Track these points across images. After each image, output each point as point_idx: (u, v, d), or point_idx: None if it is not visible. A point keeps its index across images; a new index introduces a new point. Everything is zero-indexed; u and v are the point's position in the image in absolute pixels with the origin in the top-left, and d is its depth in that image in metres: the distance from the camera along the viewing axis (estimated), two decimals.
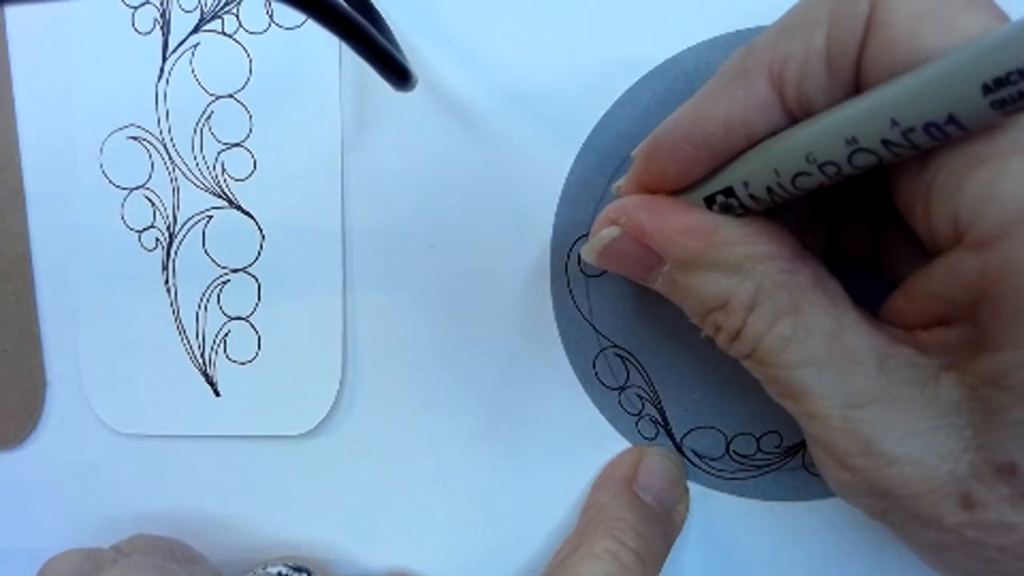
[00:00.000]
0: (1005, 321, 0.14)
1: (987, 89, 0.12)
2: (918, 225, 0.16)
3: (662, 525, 0.22)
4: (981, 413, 0.15)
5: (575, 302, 0.24)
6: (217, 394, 0.25)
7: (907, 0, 0.14)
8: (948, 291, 0.15)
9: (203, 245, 0.25)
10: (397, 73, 0.21)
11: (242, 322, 0.25)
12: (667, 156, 0.18)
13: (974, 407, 0.16)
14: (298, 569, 0.24)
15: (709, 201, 0.18)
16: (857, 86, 0.15)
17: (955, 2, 0.14)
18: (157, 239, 0.25)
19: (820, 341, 0.17)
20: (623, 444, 0.24)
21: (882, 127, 0.14)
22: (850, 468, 0.17)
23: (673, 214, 0.18)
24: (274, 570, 0.24)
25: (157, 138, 0.25)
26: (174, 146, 0.25)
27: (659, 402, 0.23)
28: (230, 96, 0.25)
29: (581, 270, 0.24)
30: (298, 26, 0.24)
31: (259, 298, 0.25)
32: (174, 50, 0.25)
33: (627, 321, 0.23)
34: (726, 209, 0.17)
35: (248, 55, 0.24)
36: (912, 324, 0.17)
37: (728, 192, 0.17)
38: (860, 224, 0.20)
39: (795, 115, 0.16)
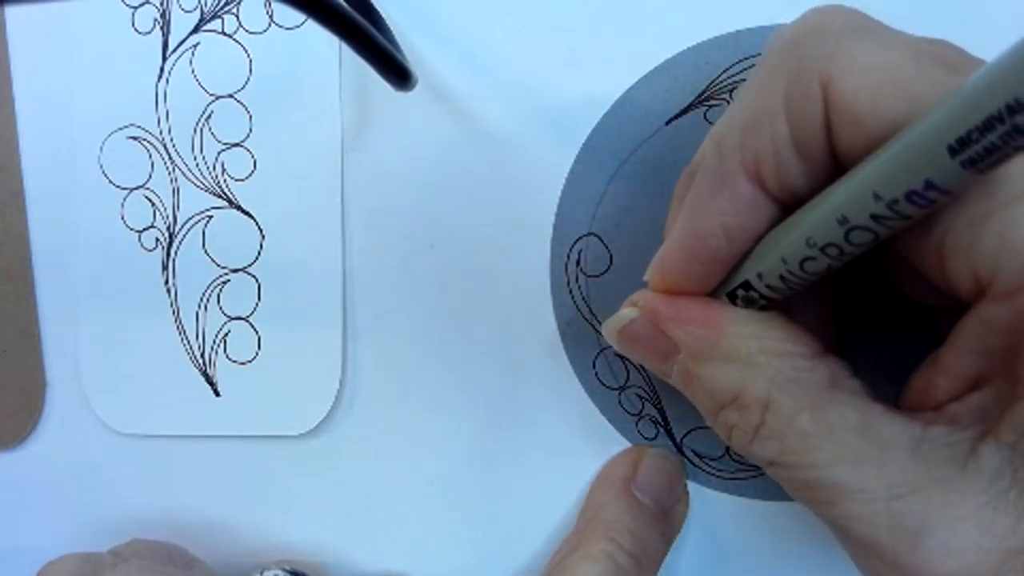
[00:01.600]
0: None
1: (953, 151, 0.13)
2: (935, 280, 0.16)
3: (660, 526, 0.22)
4: None
5: (575, 302, 0.24)
6: (217, 394, 0.25)
7: (859, 78, 0.14)
8: (984, 343, 0.15)
9: (203, 245, 0.25)
10: (397, 73, 0.21)
11: (242, 322, 0.25)
12: (680, 278, 0.18)
13: (1016, 464, 0.15)
14: (295, 573, 0.24)
15: (732, 297, 0.18)
16: (839, 164, 0.15)
17: (906, 67, 0.14)
18: (157, 239, 0.25)
19: (848, 435, 0.16)
20: (623, 444, 0.24)
21: (867, 203, 0.14)
22: (904, 569, 0.16)
23: (690, 303, 0.18)
24: (270, 574, 0.24)
25: (157, 138, 0.25)
26: (174, 146, 0.25)
27: (659, 402, 0.23)
28: (230, 96, 0.25)
29: (581, 270, 0.24)
30: (298, 26, 0.24)
31: (259, 298, 0.25)
32: (174, 50, 0.25)
33: None
34: (749, 303, 0.18)
35: (248, 55, 0.24)
36: (943, 398, 0.16)
37: (746, 286, 0.17)
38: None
39: (785, 203, 0.16)
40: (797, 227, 0.16)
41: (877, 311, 0.21)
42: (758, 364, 0.17)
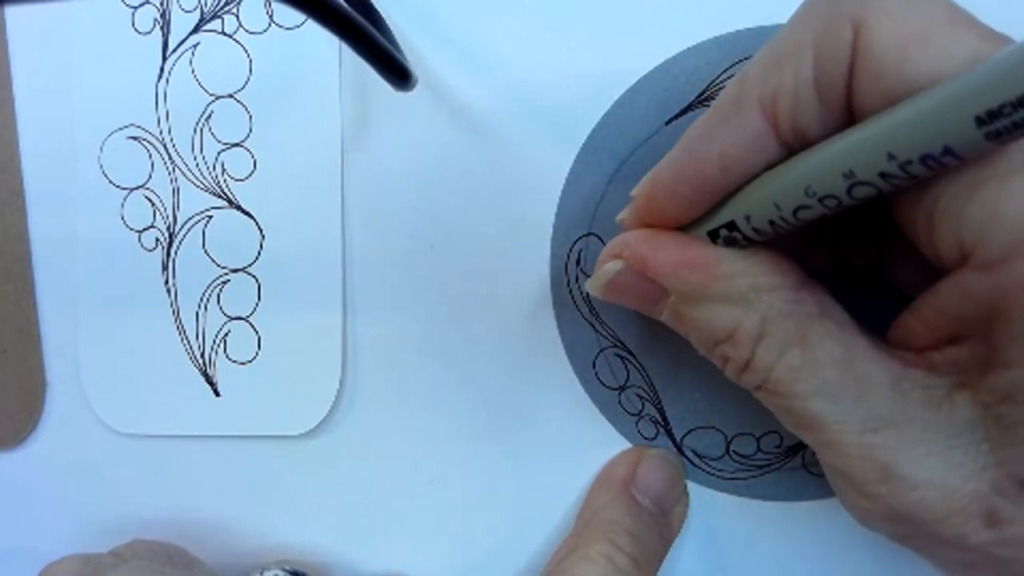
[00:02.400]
0: (1017, 338, 0.14)
1: (980, 121, 0.12)
2: (921, 244, 0.16)
3: (659, 527, 0.22)
4: (998, 429, 0.15)
5: (575, 302, 0.24)
6: (217, 394, 0.25)
7: (892, 26, 0.14)
8: (958, 310, 0.15)
9: (203, 245, 0.25)
10: (397, 73, 0.21)
11: (242, 322, 0.25)
12: (666, 198, 0.18)
13: (990, 424, 0.16)
14: (295, 573, 0.24)
15: (713, 235, 0.18)
16: (851, 112, 0.15)
17: (941, 25, 0.14)
18: (157, 239, 0.25)
19: (831, 369, 0.17)
20: (623, 444, 0.24)
21: (879, 161, 0.14)
22: (871, 496, 0.17)
23: (675, 247, 0.18)
24: (270, 574, 0.24)
25: (157, 138, 0.25)
26: (174, 146, 0.25)
27: (659, 402, 0.23)
28: (230, 96, 0.25)
29: (581, 270, 0.24)
30: (298, 26, 0.24)
31: (259, 298, 0.25)
32: (174, 50, 0.25)
33: (627, 321, 0.23)
34: (730, 242, 0.18)
35: (248, 55, 0.24)
36: (923, 345, 0.17)
37: (731, 226, 0.17)
38: (862, 237, 0.20)
39: (791, 146, 0.16)
40: (796, 173, 0.16)
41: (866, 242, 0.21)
42: (750, 301, 0.17)
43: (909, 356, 0.17)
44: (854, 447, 0.16)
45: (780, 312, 0.17)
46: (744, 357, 0.18)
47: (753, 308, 0.17)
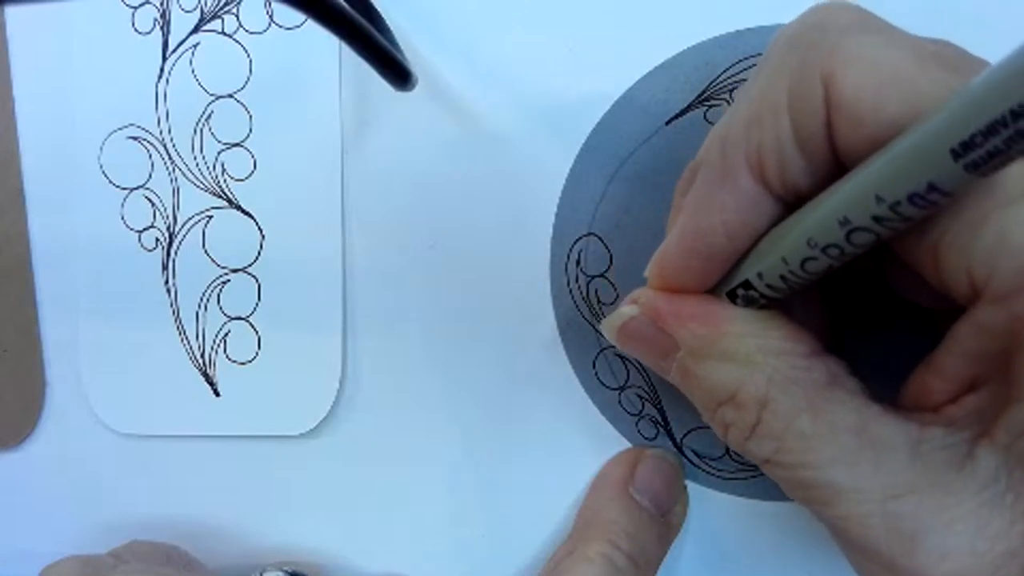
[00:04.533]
0: None
1: (956, 154, 0.13)
2: (928, 278, 0.16)
3: (658, 527, 0.22)
4: (1020, 471, 0.15)
5: (575, 302, 0.24)
6: (217, 394, 0.25)
7: (861, 74, 0.14)
8: (978, 348, 0.15)
9: (203, 245, 0.25)
10: (397, 73, 0.21)
11: (242, 322, 0.25)
12: (679, 273, 0.18)
13: (1012, 466, 0.15)
14: (295, 575, 0.24)
15: (732, 296, 0.18)
16: (839, 162, 0.15)
17: (908, 66, 0.14)
18: (157, 239, 0.25)
19: (847, 436, 0.16)
20: (623, 444, 0.24)
21: (869, 205, 0.14)
22: (899, 570, 0.16)
23: (690, 301, 0.18)
24: (270, 575, 0.24)
25: (157, 138, 0.25)
26: (174, 146, 0.25)
27: (659, 402, 0.23)
28: (230, 96, 0.25)
29: (581, 270, 0.24)
30: (298, 26, 0.24)
31: (259, 298, 0.25)
32: (174, 50, 0.25)
33: None
34: (749, 302, 0.18)
35: (248, 55, 0.24)
36: (940, 400, 0.16)
37: (746, 285, 0.17)
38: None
39: (787, 201, 0.16)
40: (798, 227, 0.16)
41: (874, 311, 0.21)
42: (756, 363, 0.17)
43: (925, 416, 0.16)
44: (877, 517, 0.16)
45: (787, 377, 0.17)
46: (749, 422, 0.17)
47: (759, 370, 0.17)
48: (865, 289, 0.20)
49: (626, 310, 0.19)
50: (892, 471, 0.16)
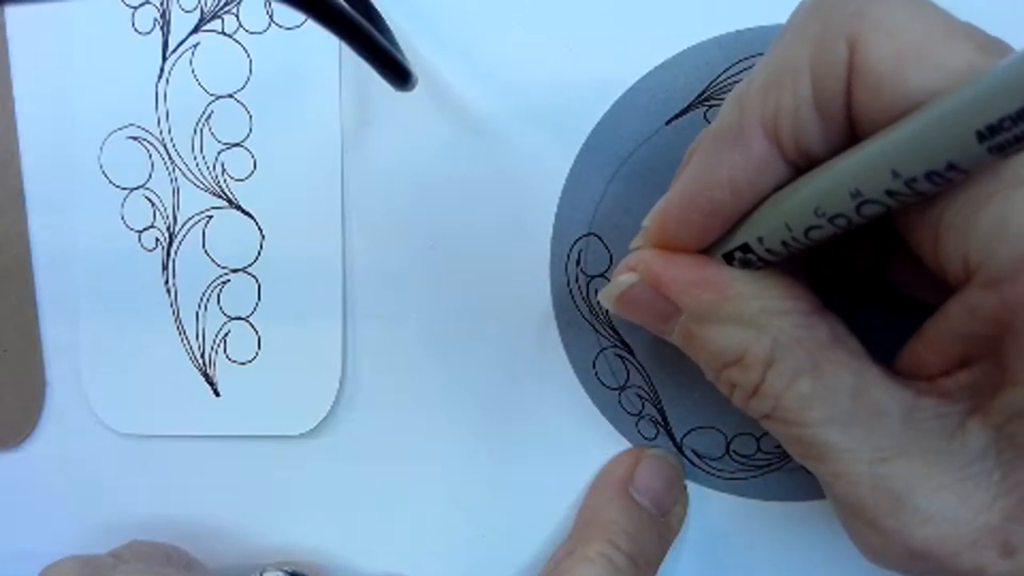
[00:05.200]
0: None
1: (982, 136, 0.12)
2: (926, 258, 0.16)
3: (657, 527, 0.22)
4: (1009, 452, 0.15)
5: (575, 302, 0.24)
6: (217, 394, 0.25)
7: (887, 42, 0.14)
8: (966, 329, 0.15)
9: (203, 245, 0.25)
10: (397, 73, 0.21)
11: (242, 322, 0.25)
12: (679, 227, 0.18)
13: (1002, 447, 0.15)
14: (295, 575, 0.24)
15: (728, 257, 0.18)
16: (853, 127, 0.15)
17: (936, 38, 0.14)
18: (157, 239, 0.25)
19: (843, 398, 0.16)
20: (623, 444, 0.24)
21: (884, 179, 0.14)
22: (883, 530, 0.16)
23: (690, 265, 0.18)
24: (270, 575, 0.24)
25: (157, 138, 0.25)
26: (174, 146, 0.25)
27: (659, 402, 0.23)
28: (230, 96, 0.25)
29: (581, 270, 0.24)
30: (298, 26, 0.24)
31: (259, 298, 0.25)
32: (174, 50, 0.25)
33: (627, 321, 0.23)
34: (745, 264, 0.18)
35: (248, 55, 0.24)
36: (933, 372, 0.16)
37: (744, 248, 0.17)
38: (864, 239, 0.20)
39: (798, 165, 0.16)
40: (804, 194, 0.16)
41: (864, 287, 0.21)
42: (761, 324, 0.17)
43: (921, 384, 0.16)
44: (865, 476, 0.16)
45: (791, 337, 0.17)
46: (753, 382, 0.17)
47: (764, 331, 0.17)
48: (854, 269, 0.20)
49: (625, 278, 0.19)
50: (884, 434, 0.16)
